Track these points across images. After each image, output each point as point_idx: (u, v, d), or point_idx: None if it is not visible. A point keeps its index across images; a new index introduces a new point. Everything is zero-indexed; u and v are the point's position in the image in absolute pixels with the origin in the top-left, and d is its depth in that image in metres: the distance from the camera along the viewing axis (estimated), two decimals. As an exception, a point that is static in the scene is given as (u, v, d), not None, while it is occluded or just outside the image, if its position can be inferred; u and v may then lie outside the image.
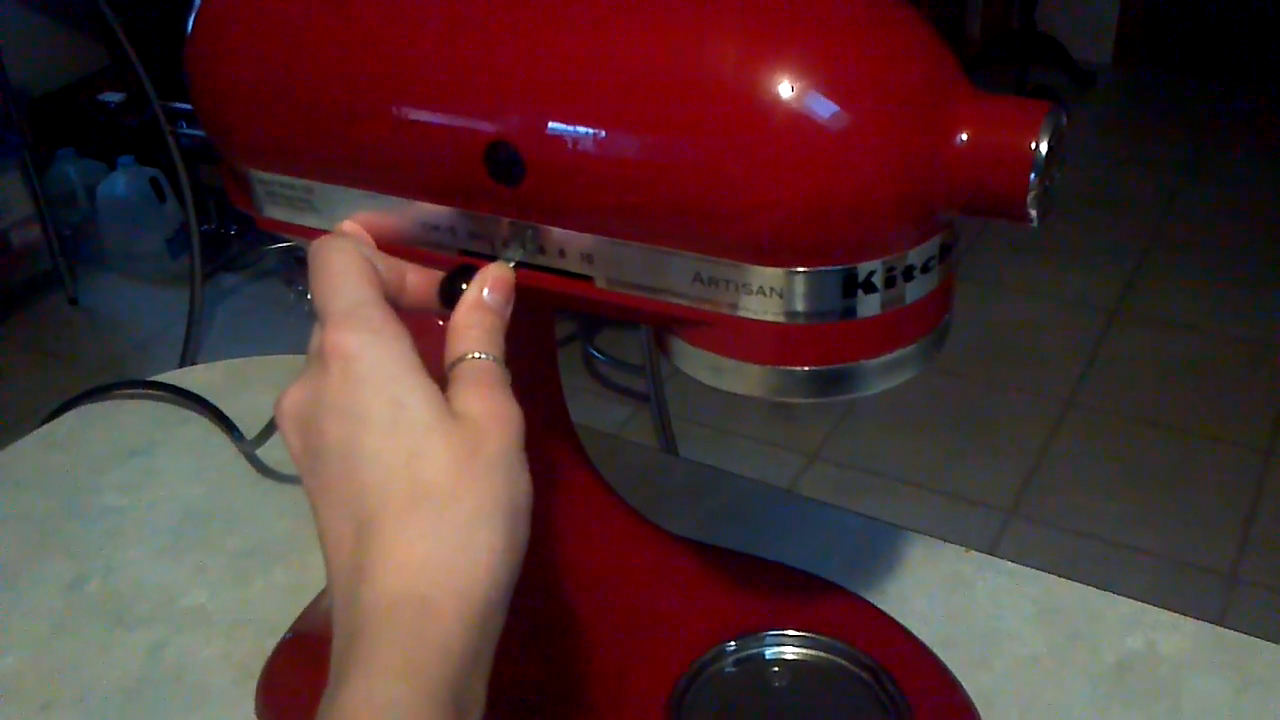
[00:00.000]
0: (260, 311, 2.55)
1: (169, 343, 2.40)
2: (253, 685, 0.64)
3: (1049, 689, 0.63)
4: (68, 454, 0.83)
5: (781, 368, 0.44)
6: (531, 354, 0.56)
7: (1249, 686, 0.62)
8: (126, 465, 0.82)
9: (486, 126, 0.43)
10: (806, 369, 0.44)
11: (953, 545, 0.72)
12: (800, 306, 0.42)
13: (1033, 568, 0.70)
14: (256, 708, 0.64)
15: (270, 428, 0.78)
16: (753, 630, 0.62)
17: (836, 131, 0.39)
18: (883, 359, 0.44)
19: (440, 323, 0.44)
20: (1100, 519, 1.94)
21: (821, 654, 0.61)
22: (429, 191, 0.46)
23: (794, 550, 0.71)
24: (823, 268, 0.41)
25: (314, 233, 0.50)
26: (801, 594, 0.67)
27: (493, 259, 0.46)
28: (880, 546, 0.72)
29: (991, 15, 3.48)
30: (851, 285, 0.42)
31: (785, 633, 0.62)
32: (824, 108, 0.39)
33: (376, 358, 0.40)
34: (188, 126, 2.23)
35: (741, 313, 0.43)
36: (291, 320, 2.44)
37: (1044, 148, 0.39)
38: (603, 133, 0.41)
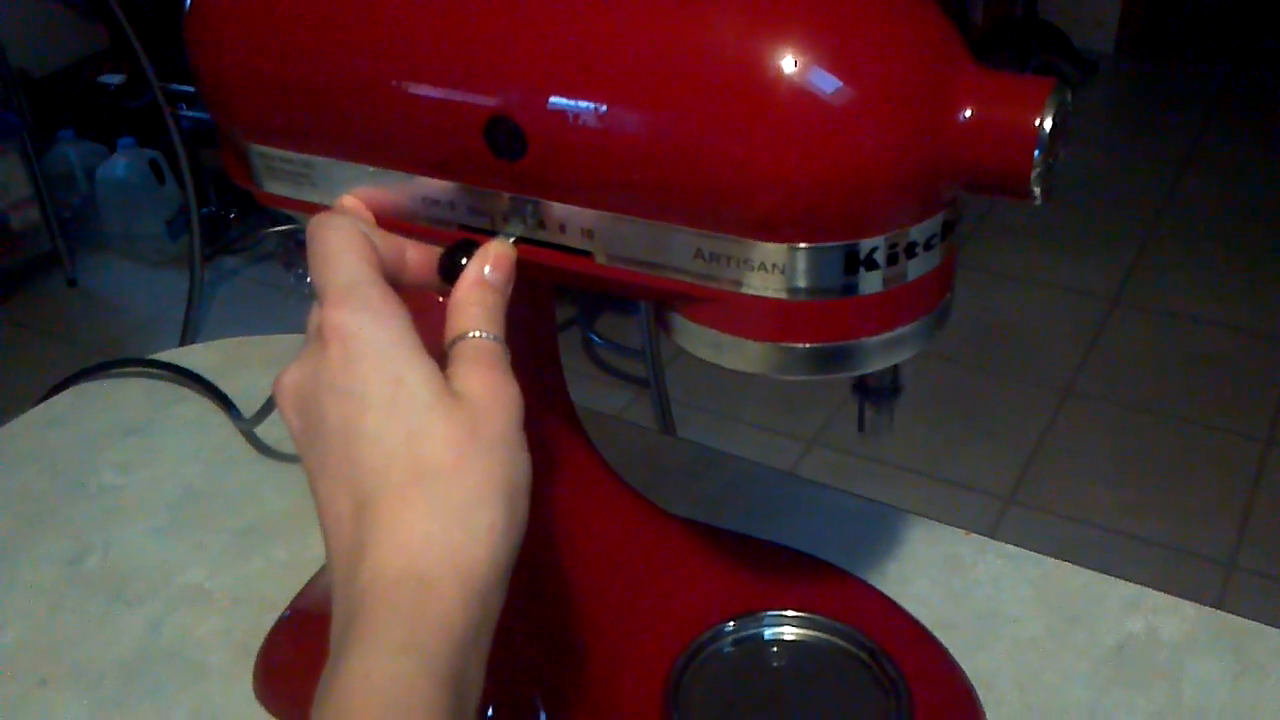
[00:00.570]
0: (259, 295, 2.55)
1: (167, 325, 2.40)
2: (251, 662, 0.65)
3: (1048, 671, 0.63)
4: (66, 432, 0.83)
5: (782, 344, 0.44)
6: (531, 332, 0.56)
7: (1248, 670, 0.62)
8: (125, 443, 0.82)
9: (488, 100, 0.43)
10: (807, 346, 0.44)
11: (952, 528, 0.72)
12: (802, 283, 0.42)
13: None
14: (255, 685, 0.64)
15: (269, 406, 0.77)
16: (752, 610, 0.62)
17: (839, 106, 0.39)
18: (883, 336, 0.44)
19: (440, 299, 0.44)
20: (1099, 507, 1.95)
21: (820, 635, 0.61)
22: (429, 166, 0.46)
23: (793, 531, 0.71)
24: (825, 244, 0.41)
25: (314, 208, 0.50)
26: (800, 575, 0.67)
27: (493, 234, 0.46)
28: (880, 528, 0.72)
29: (994, 4, 3.47)
30: (854, 262, 0.41)
31: (784, 613, 0.62)
32: (827, 82, 0.38)
33: (375, 336, 0.40)
34: (188, 109, 2.22)
35: (743, 289, 0.42)
36: (291, 303, 2.44)
37: (1048, 124, 0.39)
38: (604, 107, 0.41)
